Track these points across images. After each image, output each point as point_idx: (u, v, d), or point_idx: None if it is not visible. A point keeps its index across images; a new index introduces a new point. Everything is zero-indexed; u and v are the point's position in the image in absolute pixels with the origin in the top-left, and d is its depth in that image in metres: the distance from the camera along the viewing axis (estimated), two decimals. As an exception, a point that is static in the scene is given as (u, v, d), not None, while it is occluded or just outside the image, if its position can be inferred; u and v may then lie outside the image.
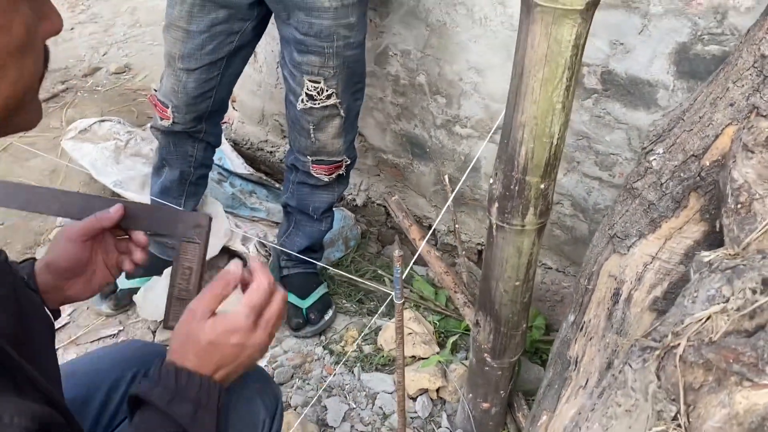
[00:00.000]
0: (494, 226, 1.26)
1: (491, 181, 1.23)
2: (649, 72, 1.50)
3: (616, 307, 1.34)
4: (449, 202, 1.66)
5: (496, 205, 1.22)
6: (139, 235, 1.00)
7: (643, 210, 1.30)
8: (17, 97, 0.58)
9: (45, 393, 0.62)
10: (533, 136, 1.10)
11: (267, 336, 0.86)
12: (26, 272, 0.95)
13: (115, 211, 0.96)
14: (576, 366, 1.42)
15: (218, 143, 1.96)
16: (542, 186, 1.17)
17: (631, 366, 0.81)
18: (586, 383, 1.41)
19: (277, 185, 2.36)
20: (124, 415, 1.11)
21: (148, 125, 2.01)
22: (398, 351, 1.07)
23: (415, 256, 1.15)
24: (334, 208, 2.03)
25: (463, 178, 1.43)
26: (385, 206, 2.26)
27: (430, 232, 1.38)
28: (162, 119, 1.78)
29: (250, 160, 2.45)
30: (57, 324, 1.86)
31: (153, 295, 1.85)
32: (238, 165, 2.33)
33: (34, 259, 0.99)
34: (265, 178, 2.36)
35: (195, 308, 0.84)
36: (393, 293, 1.00)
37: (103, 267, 1.01)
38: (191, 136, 1.85)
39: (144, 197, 2.09)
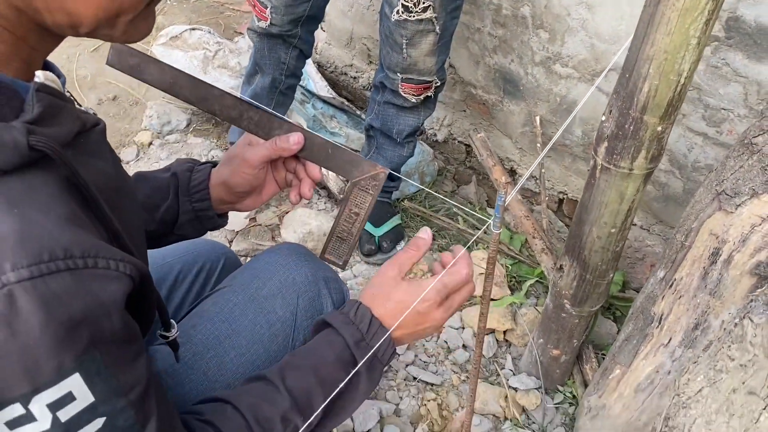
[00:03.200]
0: (598, 167, 1.19)
1: (603, 118, 1.16)
2: (783, 22, 1.38)
3: (713, 267, 1.27)
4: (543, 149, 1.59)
5: (605, 144, 1.16)
6: (315, 170, 0.99)
7: (760, 167, 1.22)
8: (110, 11, 0.57)
9: (131, 253, 0.61)
10: (660, 72, 1.02)
11: (444, 318, 0.90)
12: (201, 178, 0.99)
13: (295, 142, 0.94)
14: (660, 323, 1.37)
15: (309, 53, 1.95)
16: (659, 128, 1.09)
17: (752, 320, 0.76)
18: (668, 342, 1.36)
19: (358, 112, 2.32)
20: (188, 307, 1.14)
21: (246, 28, 2.01)
22: (486, 282, 1.04)
23: (515, 189, 1.10)
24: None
25: (563, 127, 1.36)
26: (466, 144, 2.20)
27: (522, 180, 1.33)
28: (260, 20, 1.79)
29: (332, 83, 2.41)
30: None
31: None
32: (321, 87, 2.30)
33: (213, 165, 1.01)
34: (347, 103, 2.32)
35: (391, 266, 0.90)
36: (491, 220, 0.96)
37: (272, 182, 1.03)
38: (285, 41, 1.85)
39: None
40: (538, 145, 1.90)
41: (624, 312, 1.79)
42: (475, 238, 1.92)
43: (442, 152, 2.29)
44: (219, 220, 1.03)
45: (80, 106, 0.71)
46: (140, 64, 0.94)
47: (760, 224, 1.22)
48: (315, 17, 1.83)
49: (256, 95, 1.95)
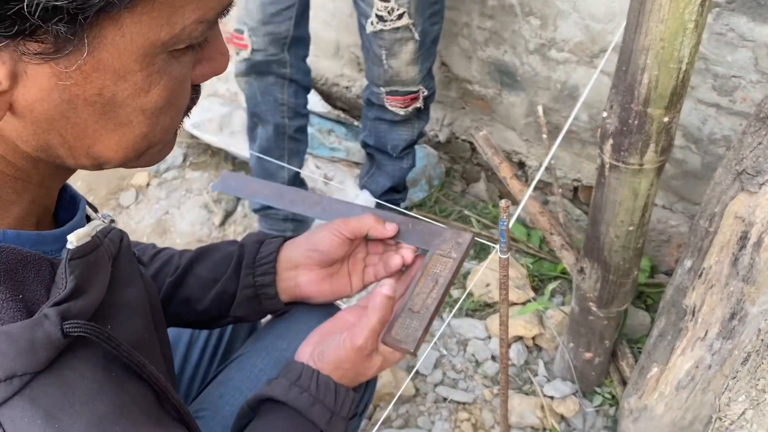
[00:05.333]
0: (607, 166, 1.12)
1: (604, 114, 1.09)
2: (787, -22, 1.29)
3: (743, 252, 1.19)
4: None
5: (611, 141, 1.08)
6: (408, 253, 0.92)
7: (781, 142, 1.13)
8: (140, 150, 0.52)
9: (178, 408, 0.59)
10: (658, 61, 0.95)
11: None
12: (270, 250, 0.92)
13: (392, 229, 0.91)
14: (693, 316, 1.29)
15: (308, 84, 1.79)
16: (666, 119, 1.02)
17: (793, 335, 0.69)
18: (705, 335, 1.29)
19: (356, 123, 2.26)
20: (207, 362, 1.08)
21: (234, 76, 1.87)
22: (502, 307, 0.97)
23: (519, 207, 1.04)
24: (416, 146, 1.91)
25: (574, 113, 1.29)
26: (470, 142, 2.13)
27: (534, 182, 1.26)
28: (240, 51, 1.64)
29: (325, 96, 2.35)
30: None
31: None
32: (316, 102, 2.23)
33: (285, 238, 0.95)
34: (342, 115, 2.25)
35: (364, 343, 0.81)
36: (497, 246, 0.89)
37: (345, 275, 0.95)
38: (276, 76, 1.69)
39: (222, 138, 2.03)
40: (544, 135, 1.82)
41: (656, 299, 1.71)
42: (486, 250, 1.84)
43: (447, 152, 2.22)
44: (279, 303, 0.92)
45: (96, 212, 0.66)
46: (241, 185, 1.06)
47: (788, 202, 1.14)
48: (302, 39, 1.70)
49: (264, 150, 1.76)
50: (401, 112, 1.70)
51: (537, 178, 0.98)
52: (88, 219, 0.62)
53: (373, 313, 0.80)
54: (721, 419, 0.76)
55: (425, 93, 1.69)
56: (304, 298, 0.94)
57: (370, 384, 1.01)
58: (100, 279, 0.55)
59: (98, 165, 0.53)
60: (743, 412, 0.75)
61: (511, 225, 0.93)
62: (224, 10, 0.49)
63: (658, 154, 1.06)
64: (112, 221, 0.64)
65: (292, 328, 0.96)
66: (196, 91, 0.56)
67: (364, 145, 1.89)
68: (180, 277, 0.91)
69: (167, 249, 0.96)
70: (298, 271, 0.92)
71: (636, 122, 1.02)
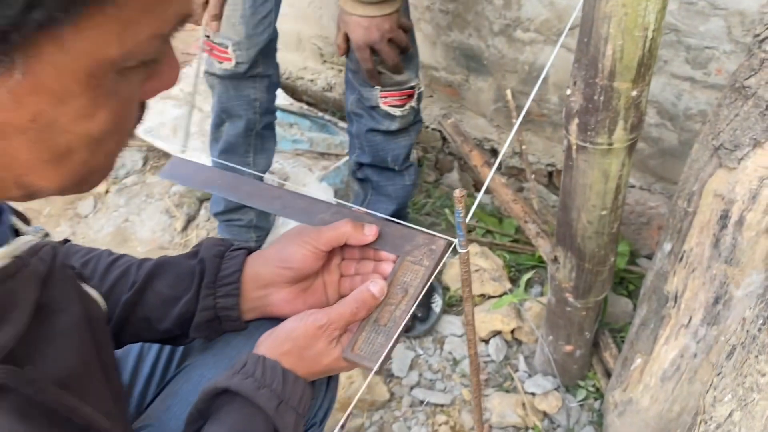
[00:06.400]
0: (574, 147, 1.04)
1: (568, 92, 1.01)
2: (757, -60, 1.21)
3: (725, 232, 1.12)
4: (517, 123, 1.43)
5: (576, 121, 1.00)
6: (388, 267, 0.83)
7: (759, 113, 1.06)
8: (79, 178, 0.47)
9: None
10: (622, 29, 0.87)
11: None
12: (233, 268, 0.82)
13: (372, 234, 0.82)
14: (676, 302, 1.22)
15: (278, 80, 1.73)
16: (634, 93, 0.94)
17: (780, 326, 0.62)
18: (689, 321, 1.21)
19: (320, 114, 2.16)
20: (160, 374, 1.00)
21: (203, 72, 1.73)
22: (466, 306, 0.89)
23: (482, 191, 0.95)
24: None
25: (533, 93, 1.21)
26: (440, 131, 2.05)
27: (496, 164, 1.18)
28: (222, 62, 1.56)
29: (290, 91, 2.26)
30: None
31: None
32: (278, 95, 2.15)
33: (249, 251, 0.85)
34: (306, 107, 2.16)
35: (328, 325, 0.75)
36: (456, 241, 0.82)
37: (320, 288, 0.86)
38: (250, 76, 1.62)
39: (174, 145, 1.93)
40: (514, 120, 1.75)
41: (638, 285, 1.64)
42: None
43: (418, 142, 2.13)
44: (241, 324, 0.85)
45: (28, 224, 0.58)
46: (192, 173, 0.97)
47: (769, 176, 1.06)
48: (274, 39, 1.64)
49: (229, 146, 1.68)
50: (398, 112, 1.55)
51: (498, 160, 0.90)
52: (17, 233, 0.55)
53: (351, 302, 0.75)
54: (706, 422, 0.69)
55: (420, 89, 1.56)
56: (277, 317, 0.85)
57: (329, 389, 0.93)
58: (22, 309, 0.49)
59: (29, 195, 0.46)
60: (730, 414, 0.67)
61: (470, 216, 0.85)
62: (182, 23, 0.44)
63: (628, 132, 0.99)
64: (47, 235, 0.57)
65: (242, 334, 0.88)
66: (141, 109, 0.50)
67: (357, 169, 1.73)
68: (138, 294, 0.83)
69: (124, 257, 0.88)
70: (268, 290, 0.83)
71: (602, 98, 0.95)
